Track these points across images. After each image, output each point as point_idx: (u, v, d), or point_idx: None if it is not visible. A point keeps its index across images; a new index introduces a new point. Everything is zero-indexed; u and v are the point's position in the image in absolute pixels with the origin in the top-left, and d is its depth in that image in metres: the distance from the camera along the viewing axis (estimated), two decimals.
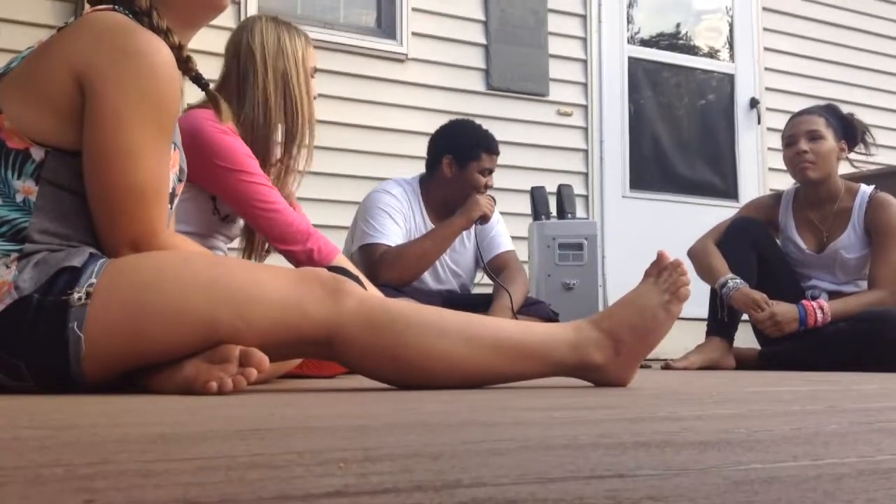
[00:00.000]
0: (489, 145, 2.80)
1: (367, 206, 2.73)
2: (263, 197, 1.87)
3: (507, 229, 2.94)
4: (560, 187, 3.42)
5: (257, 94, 1.91)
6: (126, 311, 1.15)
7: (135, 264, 1.21)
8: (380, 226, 2.66)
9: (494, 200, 2.75)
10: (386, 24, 3.99)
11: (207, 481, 0.45)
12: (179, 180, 1.42)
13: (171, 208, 1.39)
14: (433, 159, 2.82)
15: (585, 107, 4.39)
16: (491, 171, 2.80)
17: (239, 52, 1.94)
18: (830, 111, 2.90)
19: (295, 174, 1.99)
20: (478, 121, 4.05)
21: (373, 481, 0.44)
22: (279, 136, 1.95)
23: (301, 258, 1.89)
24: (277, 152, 1.96)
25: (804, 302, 2.69)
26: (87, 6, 1.36)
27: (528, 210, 3.43)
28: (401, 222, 2.71)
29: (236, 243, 2.15)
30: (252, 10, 3.61)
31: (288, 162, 1.96)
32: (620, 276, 4.08)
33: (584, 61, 4.42)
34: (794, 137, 2.85)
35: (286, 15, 3.40)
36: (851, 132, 2.85)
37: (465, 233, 2.78)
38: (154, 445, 0.61)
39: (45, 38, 1.32)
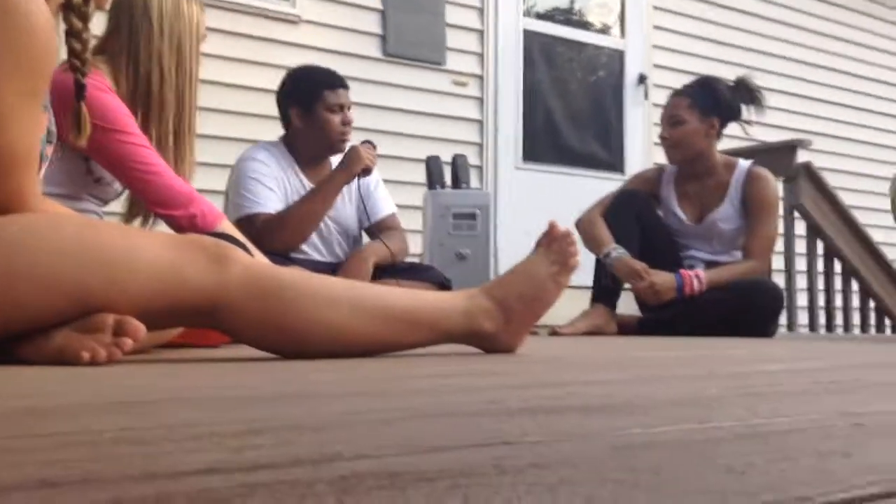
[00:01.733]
0: (330, 80, 2.65)
1: (236, 179, 2.60)
2: (142, 158, 1.78)
3: (388, 193, 2.82)
4: (455, 157, 3.42)
5: (152, 54, 1.83)
6: None
7: (0, 228, 1.12)
8: (253, 195, 2.53)
9: (375, 147, 2.64)
10: None
11: (70, 458, 0.42)
12: (49, 142, 1.34)
13: (41, 173, 1.30)
14: (284, 117, 2.70)
15: (481, 77, 4.41)
16: (342, 107, 2.63)
17: (133, 8, 1.84)
18: (701, 88, 2.96)
19: (189, 161, 1.90)
20: (373, 87, 4.01)
21: (248, 456, 0.42)
22: (172, 98, 1.86)
23: (183, 223, 1.81)
24: (171, 116, 1.87)
25: (682, 272, 2.81)
26: None
27: (423, 179, 3.42)
28: (274, 187, 2.58)
29: (116, 207, 2.04)
30: None
31: (175, 126, 1.87)
32: (512, 245, 4.15)
33: (481, 31, 4.42)
34: (661, 121, 3.01)
35: None
36: (726, 106, 2.92)
37: (346, 190, 2.65)
38: (21, 420, 0.56)
39: None
